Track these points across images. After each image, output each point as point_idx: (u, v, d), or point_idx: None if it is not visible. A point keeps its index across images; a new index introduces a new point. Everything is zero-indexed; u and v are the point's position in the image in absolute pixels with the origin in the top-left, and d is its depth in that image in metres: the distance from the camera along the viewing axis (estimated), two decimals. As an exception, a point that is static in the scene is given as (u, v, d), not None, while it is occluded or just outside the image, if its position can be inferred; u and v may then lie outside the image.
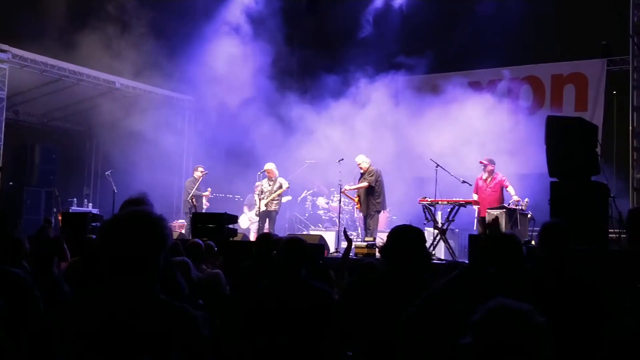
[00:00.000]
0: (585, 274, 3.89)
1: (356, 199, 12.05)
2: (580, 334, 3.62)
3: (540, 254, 4.02)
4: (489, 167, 11.64)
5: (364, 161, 11.81)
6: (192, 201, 12.91)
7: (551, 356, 1.92)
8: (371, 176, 11.62)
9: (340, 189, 12.10)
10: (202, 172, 13.70)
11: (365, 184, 11.66)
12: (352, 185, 12.12)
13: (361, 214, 12.20)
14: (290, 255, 4.09)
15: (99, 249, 2.31)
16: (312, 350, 3.88)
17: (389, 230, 12.68)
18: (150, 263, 2.28)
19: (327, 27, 15.12)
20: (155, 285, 2.30)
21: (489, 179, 11.64)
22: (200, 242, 6.58)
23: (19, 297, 4.04)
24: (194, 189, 13.34)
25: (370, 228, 11.50)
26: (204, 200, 13.89)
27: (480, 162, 11.78)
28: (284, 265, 4.10)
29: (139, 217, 2.32)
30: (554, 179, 8.51)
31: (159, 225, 2.32)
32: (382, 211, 11.96)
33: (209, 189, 13.98)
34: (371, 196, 11.60)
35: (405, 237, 3.72)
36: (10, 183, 13.73)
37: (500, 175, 11.69)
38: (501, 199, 11.51)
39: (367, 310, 3.62)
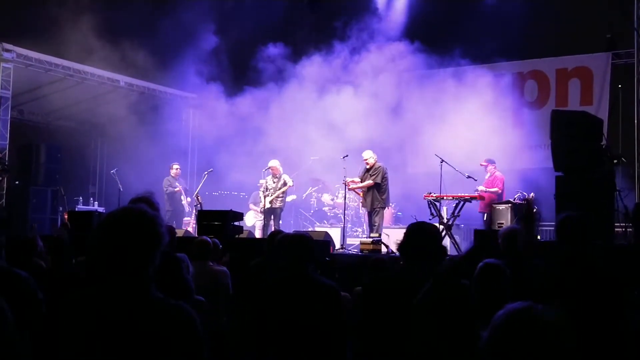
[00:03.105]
0: (609, 270, 3.80)
1: (361, 194, 12.04)
2: (603, 331, 3.57)
3: (560, 249, 3.95)
4: (489, 167, 12.19)
5: (370, 157, 11.76)
6: (198, 199, 12.93)
7: None
8: (376, 173, 11.57)
9: (345, 185, 12.06)
10: (177, 169, 14.30)
11: (369, 182, 11.61)
12: (357, 184, 12.07)
13: (366, 210, 12.17)
14: (295, 252, 4.07)
15: (94, 246, 2.29)
16: (319, 346, 3.88)
17: (393, 226, 12.68)
18: (144, 261, 2.25)
19: (331, 18, 15.06)
20: (150, 283, 2.27)
21: (488, 176, 12.13)
22: (209, 239, 6.59)
23: (20, 299, 4.06)
24: (176, 187, 14.05)
25: (376, 224, 11.47)
26: (183, 197, 14.17)
27: (481, 165, 12.26)
28: (290, 262, 4.09)
29: (134, 215, 2.29)
30: (559, 174, 8.49)
31: (154, 223, 2.29)
32: (387, 207, 11.93)
33: (180, 186, 14.24)
34: (377, 192, 11.55)
35: (423, 234, 3.75)
36: (16, 182, 13.77)
37: (499, 175, 12.11)
38: (501, 196, 11.80)
39: (388, 308, 3.65)
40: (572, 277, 3.72)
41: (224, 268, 6.47)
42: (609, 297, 3.66)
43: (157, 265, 2.30)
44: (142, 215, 2.30)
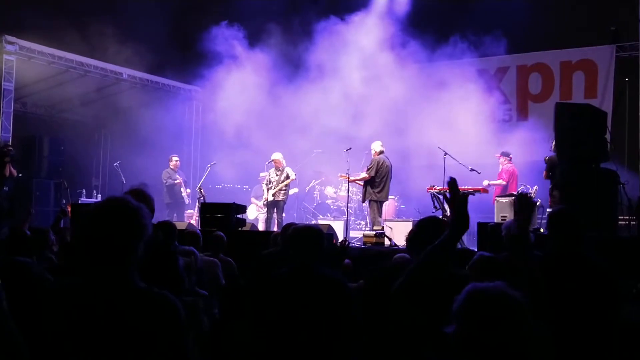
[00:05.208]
0: (600, 262, 3.81)
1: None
2: (594, 322, 3.58)
3: (550, 242, 3.96)
4: (500, 159, 12.24)
5: (372, 148, 11.76)
6: (201, 191, 12.94)
7: (532, 329, 1.94)
8: (371, 167, 11.52)
9: (348, 178, 12.04)
10: (176, 161, 14.31)
11: (364, 175, 11.60)
12: (353, 177, 12.06)
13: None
14: (302, 245, 3.99)
15: (79, 237, 2.33)
16: (326, 340, 3.84)
17: (396, 219, 12.62)
18: (127, 251, 2.30)
19: (337, 9, 14.98)
20: (133, 274, 2.32)
21: (500, 169, 12.18)
22: (197, 231, 6.61)
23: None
24: (179, 179, 14.14)
25: (371, 217, 11.46)
26: (183, 189, 14.18)
27: (496, 156, 12.35)
28: (297, 256, 4.00)
29: (116, 206, 2.34)
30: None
31: (136, 214, 2.34)
32: (380, 201, 11.76)
33: (179, 178, 14.26)
34: (369, 185, 11.48)
35: (432, 228, 3.72)
36: (20, 175, 13.76)
37: (507, 167, 12.10)
38: (506, 188, 11.78)
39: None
40: (559, 270, 3.73)
41: (214, 259, 6.51)
42: (598, 289, 3.66)
43: (140, 255, 2.34)
44: (125, 206, 2.34)
